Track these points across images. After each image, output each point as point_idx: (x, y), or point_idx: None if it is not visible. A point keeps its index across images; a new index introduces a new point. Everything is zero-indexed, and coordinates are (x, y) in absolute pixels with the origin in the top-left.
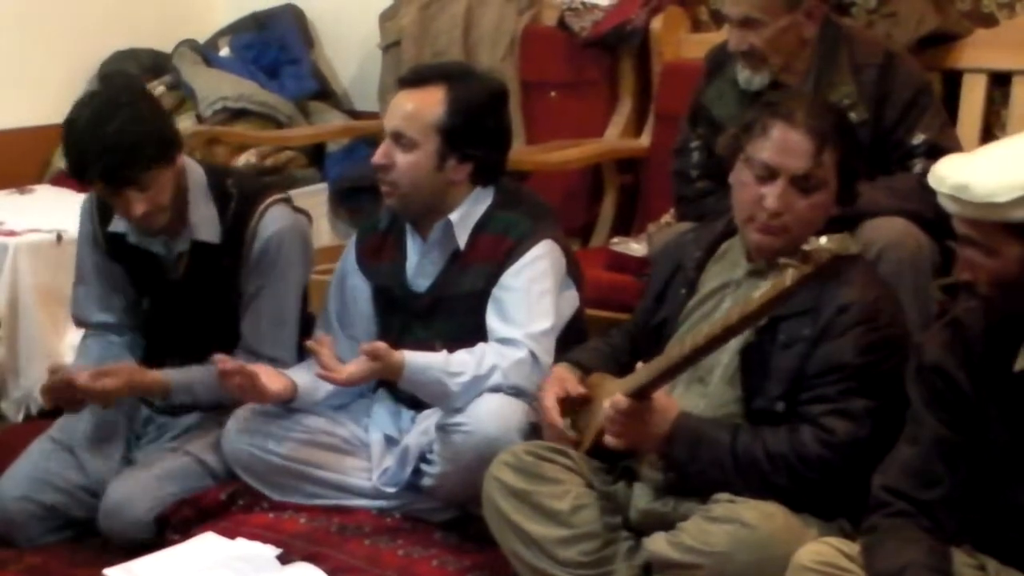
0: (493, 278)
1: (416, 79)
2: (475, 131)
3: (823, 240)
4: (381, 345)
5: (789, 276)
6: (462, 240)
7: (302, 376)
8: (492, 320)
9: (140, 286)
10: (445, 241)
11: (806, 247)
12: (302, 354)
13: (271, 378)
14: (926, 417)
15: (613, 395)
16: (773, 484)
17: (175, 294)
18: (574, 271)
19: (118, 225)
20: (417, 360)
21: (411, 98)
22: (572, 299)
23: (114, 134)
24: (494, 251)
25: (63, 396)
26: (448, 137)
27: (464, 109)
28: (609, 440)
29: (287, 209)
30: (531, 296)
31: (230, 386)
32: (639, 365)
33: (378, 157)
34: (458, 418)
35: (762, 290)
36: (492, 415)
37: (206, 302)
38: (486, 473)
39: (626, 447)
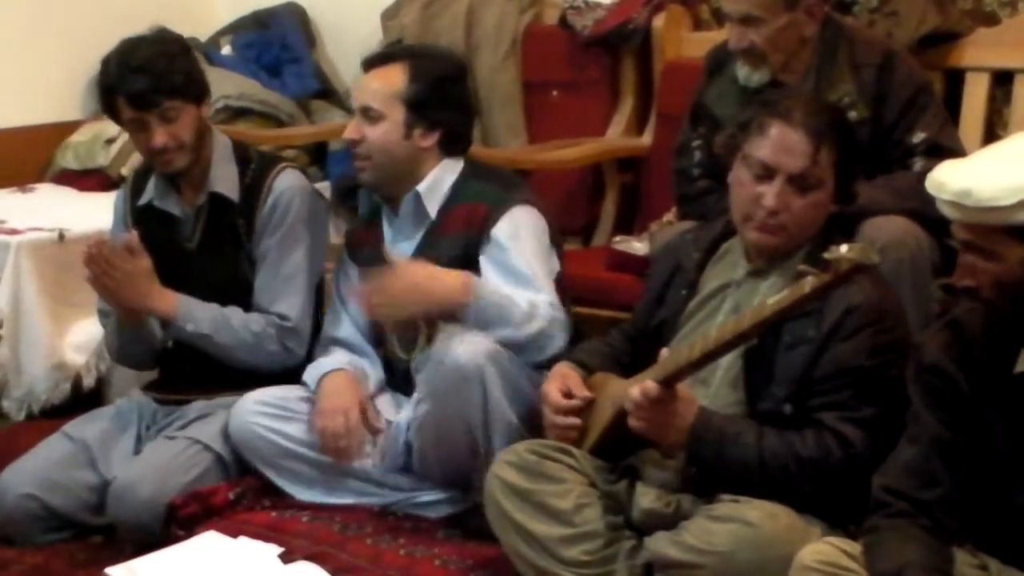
0: (472, 246)
1: (380, 59)
2: (438, 99)
3: (843, 249)
4: None
5: (808, 284)
6: (432, 210)
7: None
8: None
9: (161, 266)
10: (416, 214)
11: (827, 255)
12: (314, 336)
13: None
14: (926, 417)
15: (616, 395)
16: (798, 488)
17: (192, 269)
18: (556, 238)
19: (146, 196)
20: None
21: (376, 75)
22: (555, 264)
23: (145, 58)
24: (470, 219)
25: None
26: (413, 106)
27: (425, 78)
28: (633, 423)
29: (302, 175)
30: (524, 257)
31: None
32: (663, 352)
33: (348, 133)
34: (429, 354)
35: (778, 296)
36: (459, 343)
37: (222, 277)
38: (488, 473)
39: (648, 435)
